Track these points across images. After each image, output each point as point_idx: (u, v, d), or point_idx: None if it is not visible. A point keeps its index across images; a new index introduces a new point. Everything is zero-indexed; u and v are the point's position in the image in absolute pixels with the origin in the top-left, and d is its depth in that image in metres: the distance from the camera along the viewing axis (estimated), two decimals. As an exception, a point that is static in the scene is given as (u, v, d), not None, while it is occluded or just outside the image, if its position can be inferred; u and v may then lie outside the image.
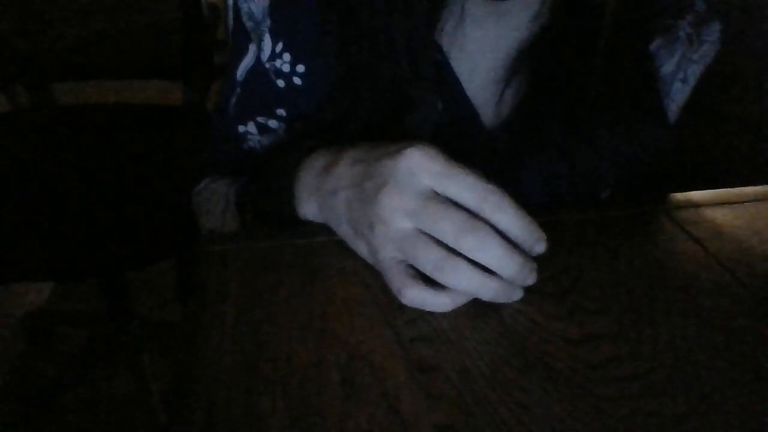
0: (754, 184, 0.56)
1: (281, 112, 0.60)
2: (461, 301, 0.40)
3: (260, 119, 0.61)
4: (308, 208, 0.48)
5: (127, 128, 1.27)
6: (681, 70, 0.58)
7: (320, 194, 0.46)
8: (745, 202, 0.53)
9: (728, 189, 0.55)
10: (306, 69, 0.57)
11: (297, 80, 0.58)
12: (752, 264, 0.46)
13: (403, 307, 0.40)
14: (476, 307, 0.41)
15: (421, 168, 0.40)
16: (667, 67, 0.57)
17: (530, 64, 0.55)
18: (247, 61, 0.60)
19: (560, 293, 0.42)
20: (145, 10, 1.23)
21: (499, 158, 0.56)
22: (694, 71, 0.58)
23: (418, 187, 0.40)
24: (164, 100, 1.39)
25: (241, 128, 0.62)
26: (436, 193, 0.40)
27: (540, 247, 0.41)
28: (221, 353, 0.37)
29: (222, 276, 0.43)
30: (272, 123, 0.61)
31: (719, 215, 0.52)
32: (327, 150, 0.48)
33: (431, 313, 0.40)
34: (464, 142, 0.57)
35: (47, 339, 1.49)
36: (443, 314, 0.40)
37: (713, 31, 0.58)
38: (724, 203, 0.53)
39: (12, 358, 1.43)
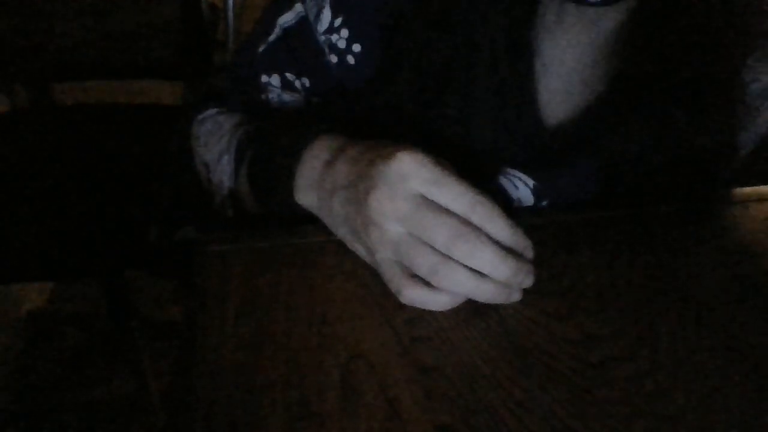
0: (755, 185, 0.56)
1: (305, 81, 0.59)
2: (460, 299, 0.41)
3: (289, 75, 0.59)
4: (306, 198, 0.48)
5: (126, 128, 1.26)
6: None
7: (320, 192, 0.46)
8: (746, 201, 0.53)
9: (728, 189, 0.55)
10: (362, 49, 0.55)
11: (350, 59, 0.56)
12: (753, 264, 0.46)
13: (403, 307, 0.41)
14: (476, 307, 0.41)
15: (411, 173, 0.40)
16: (759, 84, 0.52)
17: (611, 71, 0.51)
18: (287, 18, 0.58)
19: (560, 293, 0.42)
20: (145, 10, 1.23)
21: (553, 159, 0.54)
22: None
23: (408, 192, 0.40)
24: (164, 100, 1.39)
25: (264, 78, 0.60)
26: (427, 198, 0.40)
27: (527, 255, 0.42)
28: (221, 353, 0.37)
29: (222, 276, 0.43)
30: (298, 83, 0.59)
31: (720, 215, 0.52)
32: (333, 140, 0.48)
33: (431, 313, 0.40)
34: (519, 141, 0.54)
35: (47, 339, 1.49)
36: (443, 314, 0.40)
37: None
38: (725, 203, 0.53)
39: (12, 358, 1.43)
